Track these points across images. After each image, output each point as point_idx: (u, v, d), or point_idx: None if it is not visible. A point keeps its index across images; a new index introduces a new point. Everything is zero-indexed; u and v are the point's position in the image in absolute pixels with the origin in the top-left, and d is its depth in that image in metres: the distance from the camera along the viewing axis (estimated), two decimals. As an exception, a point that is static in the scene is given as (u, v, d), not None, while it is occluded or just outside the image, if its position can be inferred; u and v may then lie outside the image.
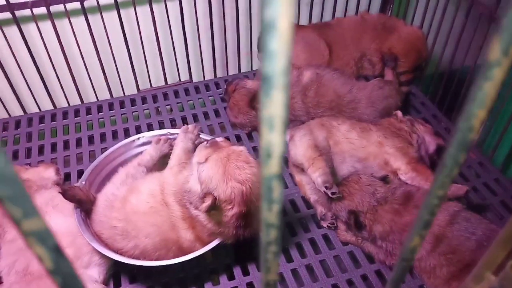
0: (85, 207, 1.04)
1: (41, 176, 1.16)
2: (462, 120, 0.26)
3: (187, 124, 1.47)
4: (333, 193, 1.07)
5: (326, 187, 1.07)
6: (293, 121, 1.41)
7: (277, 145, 0.21)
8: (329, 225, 1.16)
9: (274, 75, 0.19)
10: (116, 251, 0.99)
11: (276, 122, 0.20)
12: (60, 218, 1.02)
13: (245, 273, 1.09)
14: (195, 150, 1.02)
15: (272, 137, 0.20)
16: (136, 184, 1.03)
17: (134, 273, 1.08)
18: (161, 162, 1.15)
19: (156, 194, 0.98)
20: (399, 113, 1.29)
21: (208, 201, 0.87)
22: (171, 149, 1.13)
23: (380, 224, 1.04)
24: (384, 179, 1.18)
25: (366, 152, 1.17)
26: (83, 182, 1.12)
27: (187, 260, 0.96)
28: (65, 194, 1.00)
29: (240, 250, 1.10)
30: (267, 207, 0.24)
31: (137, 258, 0.98)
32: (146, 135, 1.26)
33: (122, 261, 0.96)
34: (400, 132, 1.21)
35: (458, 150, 0.27)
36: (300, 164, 1.17)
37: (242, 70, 1.74)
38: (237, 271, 1.09)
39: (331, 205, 1.14)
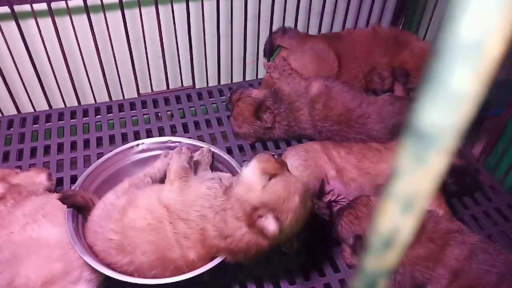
0: (84, 214, 0.98)
1: (32, 181, 1.09)
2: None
3: (188, 131, 1.42)
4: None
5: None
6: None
7: (405, 232, 0.15)
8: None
9: (443, 128, 0.13)
10: (109, 265, 0.93)
11: (417, 201, 0.14)
12: (50, 227, 0.95)
13: (245, 294, 1.03)
14: (190, 169, 0.98)
15: (402, 221, 0.14)
16: (135, 196, 0.96)
17: (127, 289, 1.01)
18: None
19: (154, 210, 0.92)
20: None
21: (270, 217, 0.81)
22: None
23: None
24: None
25: (385, 176, 1.11)
26: (77, 189, 1.05)
27: (183, 280, 0.90)
28: (65, 201, 0.94)
29: (239, 269, 1.03)
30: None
31: (131, 274, 0.92)
32: (145, 142, 1.20)
33: (115, 277, 0.90)
34: None
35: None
36: None
37: (247, 78, 1.68)
38: (236, 291, 1.03)
39: (337, 228, 1.08)
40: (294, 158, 1.18)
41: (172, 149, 1.19)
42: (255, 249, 0.87)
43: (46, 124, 1.43)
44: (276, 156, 0.90)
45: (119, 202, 0.96)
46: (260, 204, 0.82)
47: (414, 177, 0.14)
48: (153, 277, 0.91)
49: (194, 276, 0.90)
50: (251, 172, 0.86)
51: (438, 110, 0.15)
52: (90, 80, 1.49)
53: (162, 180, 1.07)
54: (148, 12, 1.44)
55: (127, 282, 0.90)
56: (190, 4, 1.43)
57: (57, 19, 1.33)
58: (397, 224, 0.14)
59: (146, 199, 0.94)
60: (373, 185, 1.13)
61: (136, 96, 1.56)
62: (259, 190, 0.83)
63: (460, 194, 1.26)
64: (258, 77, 1.70)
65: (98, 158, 1.21)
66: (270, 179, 0.84)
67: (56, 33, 1.34)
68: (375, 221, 0.15)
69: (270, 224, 0.81)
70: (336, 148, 1.20)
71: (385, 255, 0.16)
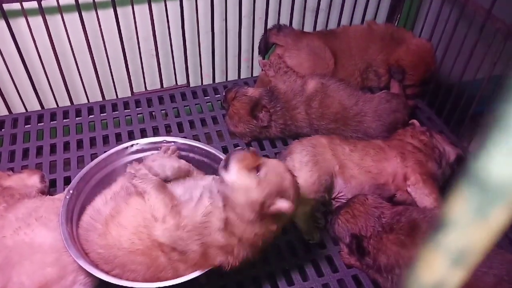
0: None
1: (25, 183, 1.07)
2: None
3: (183, 131, 1.40)
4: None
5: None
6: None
7: (452, 286, 0.13)
8: None
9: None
10: (103, 271, 0.91)
11: (469, 255, 0.13)
12: (44, 231, 0.93)
13: (242, 295, 1.01)
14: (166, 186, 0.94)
15: (450, 274, 0.13)
16: (119, 209, 0.92)
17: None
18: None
19: (142, 238, 0.87)
20: (416, 123, 1.23)
21: (284, 203, 0.83)
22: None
23: (385, 256, 0.97)
24: (392, 199, 1.12)
25: (386, 175, 1.11)
26: (71, 191, 1.03)
27: (180, 283, 0.89)
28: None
29: (235, 271, 1.02)
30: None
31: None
32: (140, 142, 1.18)
33: (111, 281, 0.88)
34: (425, 146, 1.16)
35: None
36: None
37: (242, 76, 1.67)
38: (233, 293, 1.02)
39: (334, 227, 1.07)
40: (302, 153, 1.13)
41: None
42: (263, 240, 0.88)
43: (38, 124, 1.41)
44: (246, 149, 0.89)
45: (105, 208, 0.94)
46: (264, 197, 0.82)
47: (471, 230, 0.12)
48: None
49: (191, 280, 0.89)
50: (239, 176, 0.84)
51: (509, 162, 0.13)
52: (83, 79, 1.47)
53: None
54: (141, 9, 1.41)
55: (122, 286, 0.89)
56: (184, 1, 1.40)
57: (48, 18, 1.30)
58: (444, 277, 0.13)
59: (133, 220, 0.90)
60: (373, 184, 1.12)
61: (130, 95, 1.53)
62: (256, 188, 0.82)
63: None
64: (253, 75, 1.69)
65: (91, 159, 1.19)
66: (257, 172, 0.84)
67: (47, 32, 1.31)
68: (417, 270, 0.13)
69: (283, 204, 0.83)
70: (342, 143, 1.17)
71: None
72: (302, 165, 1.11)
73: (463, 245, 0.13)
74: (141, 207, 0.92)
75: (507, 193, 0.13)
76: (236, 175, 0.84)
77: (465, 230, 0.13)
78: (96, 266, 0.91)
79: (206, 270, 0.89)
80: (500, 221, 0.13)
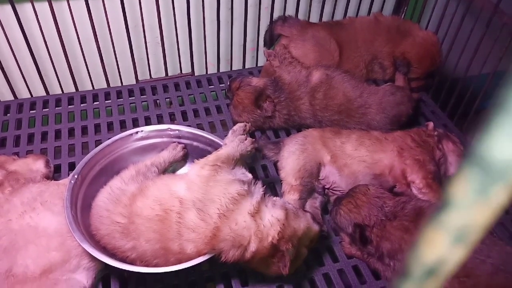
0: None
1: (30, 168, 1.08)
2: None
3: (187, 119, 1.40)
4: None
5: None
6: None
7: (452, 264, 0.14)
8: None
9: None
10: (113, 250, 0.92)
11: (470, 234, 0.13)
12: (49, 216, 0.95)
13: (244, 283, 1.02)
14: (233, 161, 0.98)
15: (451, 252, 0.13)
16: (145, 185, 0.96)
17: (126, 277, 1.01)
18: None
19: (163, 202, 0.90)
20: (431, 125, 1.23)
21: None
22: (184, 157, 1.15)
23: (389, 242, 0.98)
24: (392, 190, 1.12)
25: (382, 166, 1.11)
26: (76, 176, 1.04)
27: (182, 269, 0.90)
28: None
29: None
30: None
31: (134, 261, 0.91)
32: (145, 129, 1.18)
33: (114, 265, 0.89)
34: (423, 144, 1.15)
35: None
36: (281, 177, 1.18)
37: (247, 66, 1.67)
38: (234, 280, 1.03)
39: (336, 217, 1.08)
40: (291, 143, 1.20)
41: (172, 137, 1.18)
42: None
43: (43, 110, 1.42)
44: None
45: (128, 188, 0.96)
46: None
47: (472, 209, 0.13)
48: (156, 266, 0.90)
49: (194, 265, 0.90)
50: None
51: (510, 142, 0.13)
52: (88, 66, 1.47)
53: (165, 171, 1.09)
54: (147, -3, 1.41)
55: (126, 270, 0.90)
56: (190, -11, 1.40)
57: (54, 4, 1.30)
58: (445, 255, 0.14)
59: (156, 191, 0.93)
60: (368, 174, 1.13)
61: (135, 82, 1.54)
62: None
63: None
64: (258, 65, 1.68)
65: (96, 145, 1.20)
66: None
67: (53, 18, 1.32)
68: (418, 249, 0.14)
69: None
70: (333, 134, 1.20)
71: (425, 284, 0.15)
72: (290, 154, 1.17)
73: (465, 224, 0.14)
74: (170, 181, 0.96)
75: (508, 173, 0.14)
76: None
77: (467, 209, 0.14)
78: (109, 241, 0.92)
79: (209, 256, 0.89)
80: (501, 200, 0.14)
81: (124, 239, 0.91)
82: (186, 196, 0.90)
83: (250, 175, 0.99)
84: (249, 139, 1.03)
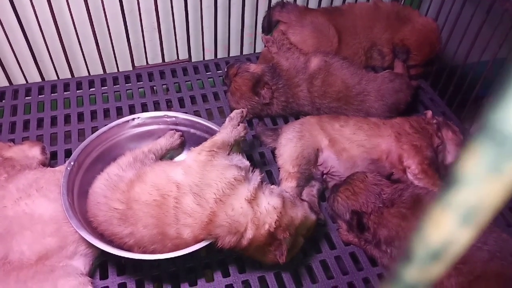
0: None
1: (26, 154, 1.07)
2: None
3: (184, 106, 1.39)
4: None
5: None
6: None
7: (459, 246, 0.13)
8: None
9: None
10: (110, 236, 0.92)
11: (480, 213, 0.12)
12: (44, 202, 0.94)
13: (241, 270, 1.03)
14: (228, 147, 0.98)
15: (458, 233, 0.13)
16: (143, 171, 0.95)
17: (123, 264, 1.01)
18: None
19: (161, 188, 0.90)
20: (429, 113, 1.22)
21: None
22: (181, 145, 1.15)
23: (386, 229, 0.98)
24: (389, 177, 1.12)
25: (379, 151, 1.11)
26: (72, 163, 1.03)
27: (179, 256, 0.89)
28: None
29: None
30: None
31: (131, 247, 0.91)
32: (141, 116, 1.17)
33: (111, 252, 0.89)
34: (422, 130, 1.15)
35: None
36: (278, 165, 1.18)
37: (245, 52, 1.65)
38: (232, 267, 1.03)
39: (333, 204, 1.08)
40: (289, 131, 1.20)
41: (169, 124, 1.18)
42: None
43: (39, 96, 1.40)
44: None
45: (125, 174, 0.95)
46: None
47: (484, 186, 0.12)
48: (153, 252, 0.90)
49: (191, 252, 0.90)
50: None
51: None
52: (84, 51, 1.45)
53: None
54: (144, -19, 1.39)
55: (123, 257, 0.90)
56: (187, -26, 1.38)
57: (48, -13, 1.28)
58: (452, 236, 0.13)
59: (154, 177, 0.93)
60: (366, 159, 1.12)
61: (131, 69, 1.52)
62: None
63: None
64: (256, 51, 1.67)
65: (92, 132, 1.19)
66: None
67: (48, 2, 1.29)
68: (423, 231, 0.13)
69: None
70: (331, 121, 1.20)
71: (430, 267, 0.14)
72: (288, 141, 1.17)
73: (475, 203, 0.13)
74: (167, 167, 0.96)
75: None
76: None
77: (477, 187, 0.13)
78: (107, 228, 0.92)
79: (207, 243, 0.89)
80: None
81: (122, 225, 0.91)
82: (183, 181, 0.89)
83: (247, 162, 0.99)
84: (242, 124, 1.04)
